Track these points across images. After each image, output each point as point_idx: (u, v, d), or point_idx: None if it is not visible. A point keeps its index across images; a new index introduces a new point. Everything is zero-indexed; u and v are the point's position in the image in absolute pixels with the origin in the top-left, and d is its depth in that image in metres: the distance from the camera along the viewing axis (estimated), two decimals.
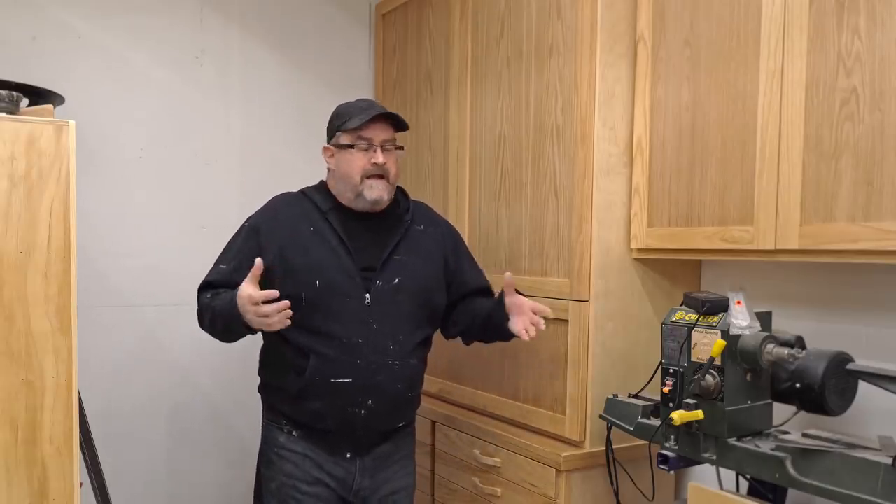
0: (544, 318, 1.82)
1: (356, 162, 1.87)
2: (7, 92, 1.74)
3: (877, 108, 1.45)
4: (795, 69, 1.58)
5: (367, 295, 1.86)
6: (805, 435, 1.53)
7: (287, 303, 1.68)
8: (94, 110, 2.52)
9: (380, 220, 1.94)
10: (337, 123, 1.93)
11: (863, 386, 1.51)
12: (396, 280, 1.90)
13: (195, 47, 2.71)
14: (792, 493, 1.59)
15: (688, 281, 2.11)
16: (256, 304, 1.66)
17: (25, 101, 1.82)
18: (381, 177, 1.87)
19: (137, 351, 2.62)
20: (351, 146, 1.87)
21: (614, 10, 1.95)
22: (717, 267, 2.09)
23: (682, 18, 1.85)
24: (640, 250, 1.99)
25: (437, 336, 2.58)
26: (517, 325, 1.83)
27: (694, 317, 1.63)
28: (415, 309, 1.93)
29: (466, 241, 2.41)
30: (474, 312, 1.99)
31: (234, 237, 1.96)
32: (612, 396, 1.88)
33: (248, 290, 1.68)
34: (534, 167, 2.13)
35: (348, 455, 1.90)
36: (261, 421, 2.01)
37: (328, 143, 1.95)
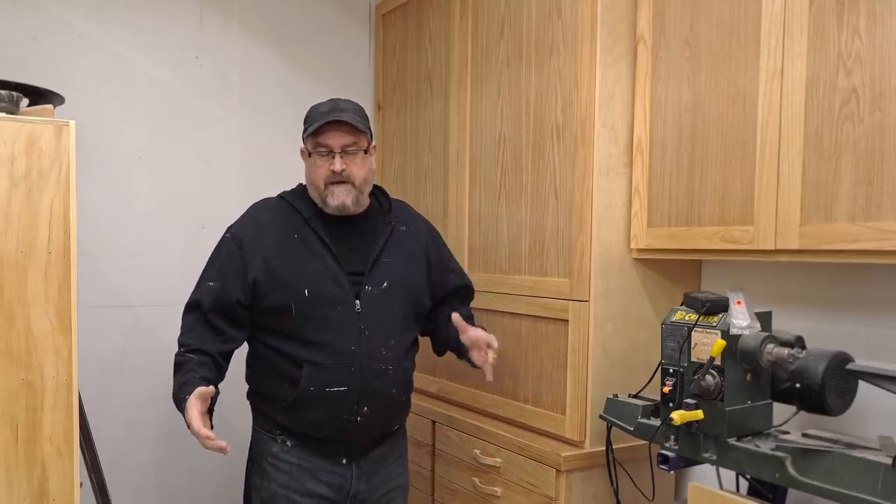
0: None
1: (318, 169, 1.84)
2: (7, 92, 1.74)
3: (877, 108, 1.45)
4: (795, 69, 1.58)
5: (358, 301, 1.84)
6: (805, 435, 1.53)
7: (224, 445, 1.61)
8: (94, 110, 2.52)
9: (363, 222, 1.93)
10: (304, 128, 1.89)
11: (863, 386, 1.51)
12: (385, 284, 1.88)
13: (195, 47, 2.71)
14: (792, 493, 1.59)
15: (688, 281, 2.11)
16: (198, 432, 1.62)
17: (25, 101, 1.81)
18: (343, 182, 1.84)
19: (137, 351, 2.62)
20: (312, 153, 1.87)
21: (614, 10, 1.95)
22: (717, 267, 2.09)
23: (682, 18, 1.85)
24: (640, 250, 1.99)
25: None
26: (478, 359, 1.89)
27: (694, 317, 1.63)
28: (404, 311, 1.93)
29: (466, 242, 2.42)
30: (447, 340, 2.03)
31: (217, 249, 1.91)
32: (612, 396, 1.88)
33: (195, 422, 1.62)
34: (534, 167, 2.13)
35: (344, 461, 1.88)
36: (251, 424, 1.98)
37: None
